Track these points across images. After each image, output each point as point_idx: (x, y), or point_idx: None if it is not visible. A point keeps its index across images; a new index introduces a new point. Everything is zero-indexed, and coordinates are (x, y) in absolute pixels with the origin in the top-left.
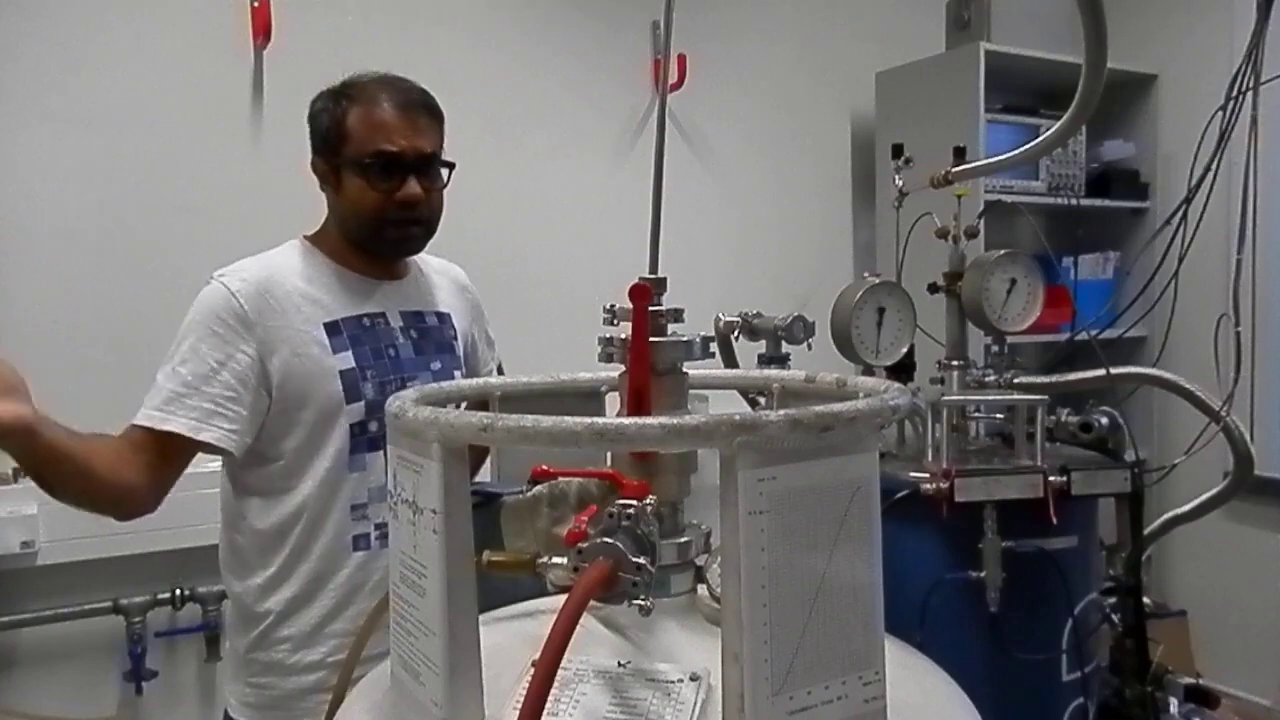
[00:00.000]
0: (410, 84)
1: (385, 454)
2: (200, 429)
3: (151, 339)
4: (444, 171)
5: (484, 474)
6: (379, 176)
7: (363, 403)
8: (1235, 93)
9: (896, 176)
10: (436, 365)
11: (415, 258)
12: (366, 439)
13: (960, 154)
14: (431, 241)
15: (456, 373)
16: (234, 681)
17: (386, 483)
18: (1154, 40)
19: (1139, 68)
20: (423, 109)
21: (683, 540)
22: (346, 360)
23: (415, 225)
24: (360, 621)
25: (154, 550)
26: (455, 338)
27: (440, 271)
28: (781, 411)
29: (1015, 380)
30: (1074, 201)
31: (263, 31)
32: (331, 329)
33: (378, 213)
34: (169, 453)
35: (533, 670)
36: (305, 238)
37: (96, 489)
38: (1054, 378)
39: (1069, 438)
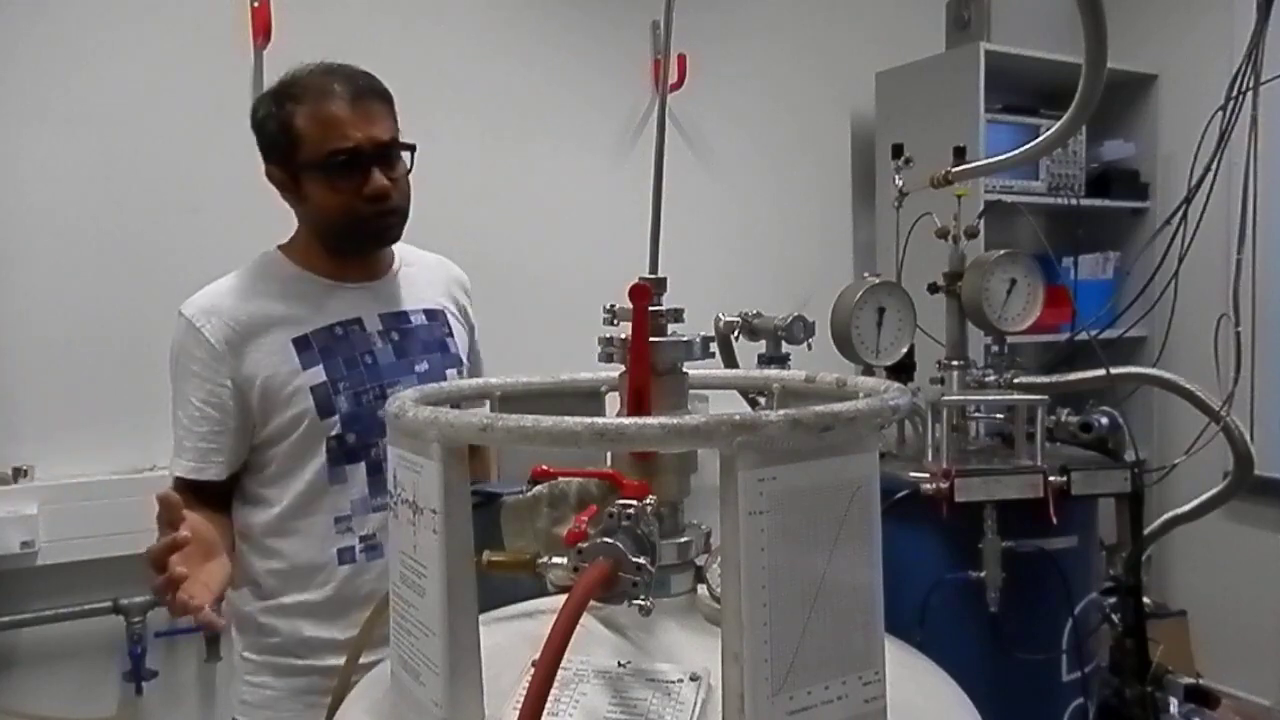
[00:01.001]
0: (353, 69)
1: (365, 465)
2: (202, 469)
3: (151, 339)
4: (406, 155)
5: None
6: (342, 175)
7: (337, 416)
8: (1235, 93)
9: (896, 176)
10: (422, 366)
11: (398, 253)
12: (345, 451)
13: (960, 154)
14: (432, 241)
15: (449, 371)
16: (234, 681)
17: (367, 493)
18: (1154, 40)
19: (1139, 68)
20: (372, 95)
21: (683, 540)
22: (317, 375)
23: (390, 216)
24: (353, 632)
25: None
26: (449, 334)
27: (432, 267)
28: (781, 411)
29: (1015, 380)
30: (1074, 201)
31: (263, 31)
32: (301, 344)
33: (348, 212)
34: (204, 494)
35: (533, 670)
36: (279, 247)
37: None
38: (1054, 378)
39: (1069, 438)
